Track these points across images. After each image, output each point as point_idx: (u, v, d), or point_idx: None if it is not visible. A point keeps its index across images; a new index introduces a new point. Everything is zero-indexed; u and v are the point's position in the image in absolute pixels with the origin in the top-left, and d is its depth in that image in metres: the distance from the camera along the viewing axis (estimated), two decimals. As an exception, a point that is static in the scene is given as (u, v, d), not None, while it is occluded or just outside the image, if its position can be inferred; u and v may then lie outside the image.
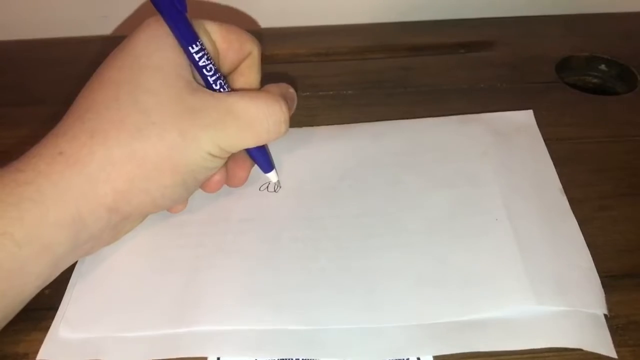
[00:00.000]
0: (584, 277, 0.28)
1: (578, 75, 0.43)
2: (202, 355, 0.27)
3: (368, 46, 0.45)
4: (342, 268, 0.29)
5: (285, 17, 0.46)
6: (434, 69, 0.42)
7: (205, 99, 0.28)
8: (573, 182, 0.33)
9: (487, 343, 0.26)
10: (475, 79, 0.41)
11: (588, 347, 0.26)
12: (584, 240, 0.30)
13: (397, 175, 0.34)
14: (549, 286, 0.27)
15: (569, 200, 0.32)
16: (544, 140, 0.36)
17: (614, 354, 0.26)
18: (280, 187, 0.33)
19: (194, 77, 0.29)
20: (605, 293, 0.28)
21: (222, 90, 0.29)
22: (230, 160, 0.32)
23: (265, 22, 0.47)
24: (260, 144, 0.30)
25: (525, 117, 0.37)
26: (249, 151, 0.32)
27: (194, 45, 0.28)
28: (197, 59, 0.28)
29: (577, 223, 0.31)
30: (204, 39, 0.29)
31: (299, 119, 0.37)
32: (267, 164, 0.33)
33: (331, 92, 0.40)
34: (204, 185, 0.31)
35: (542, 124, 0.37)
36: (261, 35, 0.44)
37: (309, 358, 0.26)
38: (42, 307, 0.28)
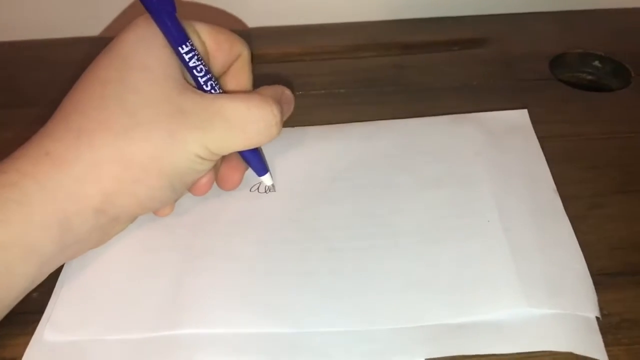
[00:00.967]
0: (576, 280, 0.28)
1: (572, 72, 0.43)
2: (187, 359, 0.26)
3: (360, 44, 0.44)
4: (332, 270, 0.29)
5: (275, 16, 0.46)
6: (427, 67, 0.42)
7: (194, 100, 0.27)
8: (566, 180, 0.33)
9: (478, 346, 0.26)
10: (468, 76, 0.41)
11: (579, 350, 0.25)
12: (577, 242, 0.30)
13: (389, 177, 0.33)
14: (541, 289, 0.27)
15: (562, 198, 0.32)
16: (537, 138, 0.35)
17: (605, 358, 0.25)
18: (274, 191, 0.33)
19: (185, 78, 0.28)
20: (598, 291, 0.27)
21: (213, 91, 0.29)
22: (224, 163, 0.31)
23: (254, 21, 0.47)
24: (251, 147, 0.29)
25: (520, 117, 0.37)
26: (242, 154, 0.31)
27: (184, 46, 0.28)
28: (187, 60, 0.28)
29: (570, 225, 0.30)
30: (193, 39, 0.29)
31: (291, 119, 0.36)
32: (261, 167, 0.32)
33: (323, 91, 0.40)
34: (191, 188, 0.30)
35: (535, 121, 0.36)
36: (250, 35, 0.44)
37: None
38: (30, 310, 0.28)
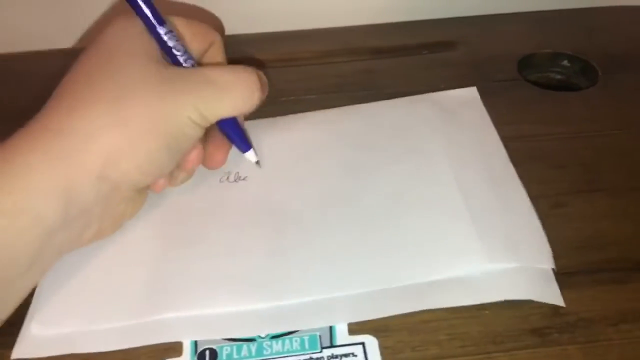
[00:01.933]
0: (531, 236, 0.30)
1: (541, 72, 0.43)
2: (174, 340, 0.27)
3: (330, 50, 0.45)
4: (303, 245, 0.30)
5: (245, 23, 0.46)
6: (396, 71, 0.42)
7: (179, 71, 0.29)
8: (531, 179, 0.33)
9: (445, 300, 0.28)
10: (437, 79, 0.41)
11: (538, 297, 0.27)
12: (530, 203, 0.32)
13: (352, 156, 0.35)
14: (499, 245, 0.29)
15: (525, 197, 0.32)
16: (503, 139, 0.36)
17: (562, 303, 0.27)
18: (259, 167, 0.34)
19: (165, 60, 0.30)
20: (559, 289, 0.28)
21: (192, 67, 0.31)
22: (209, 141, 0.32)
23: (225, 29, 0.47)
24: (237, 110, 0.31)
25: (470, 93, 0.39)
26: (226, 130, 0.32)
27: (162, 27, 0.29)
28: (167, 40, 0.30)
29: (523, 188, 0.32)
30: None
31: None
32: (244, 143, 0.33)
33: (292, 98, 0.40)
34: (183, 162, 0.31)
35: (503, 122, 0.37)
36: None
37: (276, 332, 0.27)
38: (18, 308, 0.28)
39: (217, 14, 0.46)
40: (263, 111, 0.34)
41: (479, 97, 0.39)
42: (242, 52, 0.44)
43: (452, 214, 0.31)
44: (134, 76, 0.28)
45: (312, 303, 0.28)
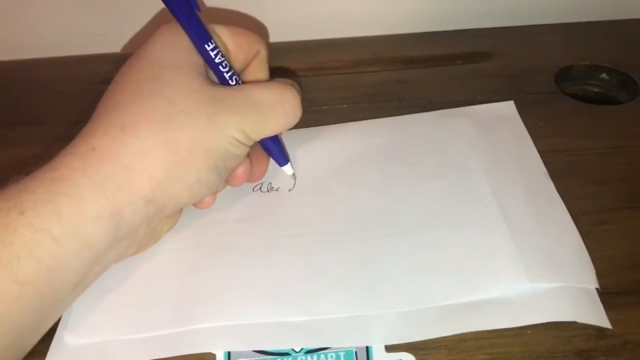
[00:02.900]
0: (573, 254, 0.29)
1: (578, 85, 0.42)
2: (207, 351, 0.27)
3: (363, 60, 0.44)
4: (339, 260, 0.30)
5: (276, 33, 0.46)
6: (430, 82, 0.42)
7: (224, 90, 0.29)
8: (570, 195, 0.32)
9: (485, 322, 0.27)
10: (472, 90, 0.40)
11: (582, 319, 0.26)
12: (571, 219, 0.31)
13: (386, 170, 0.34)
14: (541, 264, 0.28)
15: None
16: (541, 152, 0.35)
17: (608, 325, 0.26)
18: (295, 179, 0.34)
19: (209, 76, 0.30)
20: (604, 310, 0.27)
21: (237, 84, 0.31)
22: (250, 156, 0.32)
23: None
24: (279, 129, 0.31)
25: (507, 108, 0.38)
26: (265, 145, 0.33)
27: (209, 43, 0.29)
28: (213, 56, 0.29)
29: (563, 204, 0.32)
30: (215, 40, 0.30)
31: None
32: (282, 157, 0.34)
33: (325, 107, 0.40)
34: (230, 178, 0.31)
35: (540, 135, 0.36)
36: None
37: (311, 347, 0.27)
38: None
39: (256, 22, 0.46)
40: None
41: (516, 111, 0.38)
42: (273, 60, 0.44)
43: (490, 231, 0.30)
44: (182, 92, 0.27)
45: (347, 319, 0.27)
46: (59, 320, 0.28)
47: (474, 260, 0.29)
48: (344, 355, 0.27)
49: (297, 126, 0.37)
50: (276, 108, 0.30)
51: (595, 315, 0.27)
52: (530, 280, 0.28)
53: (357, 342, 0.27)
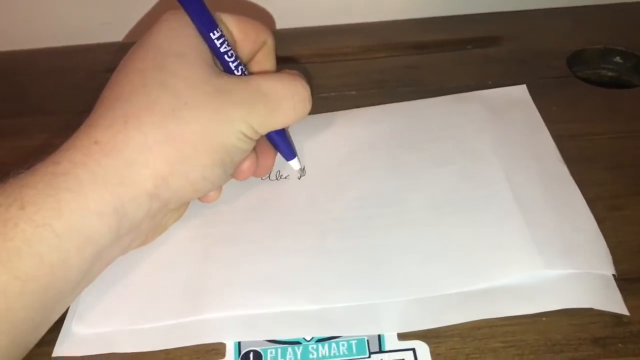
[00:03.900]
0: (589, 240, 0.28)
1: (592, 69, 0.41)
2: (217, 341, 0.27)
3: (371, 45, 0.44)
4: (349, 248, 0.29)
5: (283, 18, 0.45)
6: (440, 67, 0.41)
7: (232, 81, 0.28)
8: (585, 181, 0.32)
9: (500, 309, 0.26)
10: (483, 75, 0.40)
11: (599, 306, 0.26)
12: (586, 205, 0.30)
13: (397, 156, 0.34)
14: (556, 250, 0.28)
15: (580, 200, 0.31)
16: (555, 137, 0.34)
17: (625, 311, 0.26)
18: (304, 174, 0.34)
19: (216, 65, 0.29)
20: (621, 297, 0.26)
21: (243, 75, 0.30)
22: (257, 150, 0.32)
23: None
24: (288, 123, 0.30)
25: (519, 92, 0.37)
26: (272, 139, 0.32)
27: (215, 32, 0.28)
28: (219, 45, 0.28)
29: (578, 189, 0.31)
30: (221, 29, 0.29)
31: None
32: (289, 151, 0.33)
33: (333, 94, 0.40)
34: (235, 173, 0.31)
35: (553, 120, 0.35)
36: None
37: (322, 335, 0.26)
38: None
39: (264, 8, 0.45)
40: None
41: (529, 95, 0.37)
42: (280, 47, 0.43)
43: (504, 216, 0.29)
44: (188, 83, 0.27)
45: (359, 308, 0.27)
46: (67, 310, 0.28)
47: (487, 247, 0.28)
48: (356, 343, 0.26)
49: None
50: (285, 101, 0.29)
51: (612, 302, 0.26)
52: (546, 266, 0.27)
53: (367, 330, 0.26)
